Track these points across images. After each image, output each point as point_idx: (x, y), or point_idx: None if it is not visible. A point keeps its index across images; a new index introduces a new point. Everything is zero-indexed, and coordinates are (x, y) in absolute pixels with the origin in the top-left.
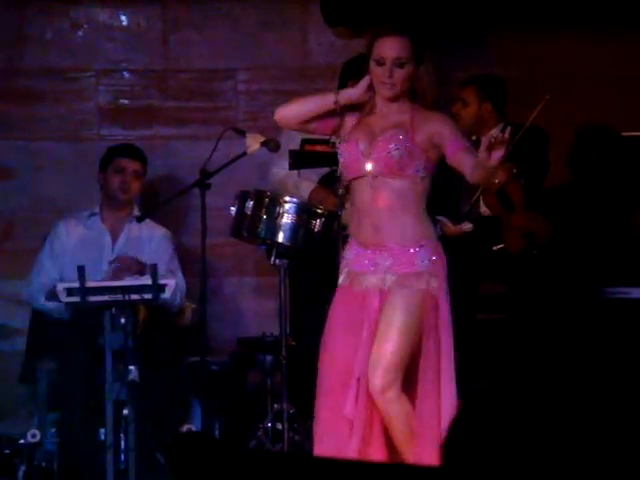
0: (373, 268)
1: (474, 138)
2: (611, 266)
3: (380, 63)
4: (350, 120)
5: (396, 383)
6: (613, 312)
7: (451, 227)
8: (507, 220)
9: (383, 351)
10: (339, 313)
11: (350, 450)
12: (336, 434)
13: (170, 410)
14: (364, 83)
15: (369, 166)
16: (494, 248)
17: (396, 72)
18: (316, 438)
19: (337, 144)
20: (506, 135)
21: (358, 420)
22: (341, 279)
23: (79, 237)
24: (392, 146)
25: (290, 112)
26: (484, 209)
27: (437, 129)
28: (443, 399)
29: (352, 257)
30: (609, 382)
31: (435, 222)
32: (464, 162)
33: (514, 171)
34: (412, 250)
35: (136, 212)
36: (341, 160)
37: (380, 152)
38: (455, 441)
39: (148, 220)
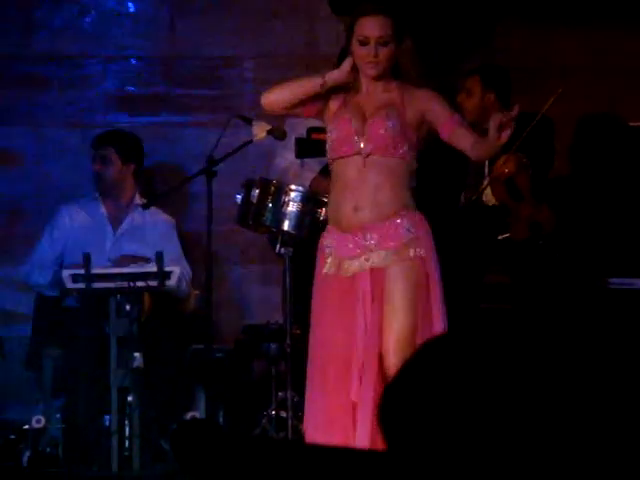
0: (359, 251)
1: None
2: (616, 256)
3: (364, 43)
4: (334, 102)
5: None
6: (618, 303)
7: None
8: (515, 210)
9: (393, 333)
10: (330, 302)
11: (361, 437)
12: (344, 421)
13: (174, 397)
14: (347, 64)
15: (363, 145)
16: (499, 237)
17: (380, 51)
18: (318, 426)
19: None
20: (514, 112)
21: (366, 406)
22: (326, 267)
23: (81, 222)
24: (388, 124)
25: (277, 97)
26: (488, 198)
27: (428, 106)
28: None
29: (335, 244)
30: (612, 373)
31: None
32: (463, 138)
33: (524, 161)
34: (394, 222)
35: (137, 199)
36: (332, 137)
37: (375, 131)
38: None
39: (152, 207)
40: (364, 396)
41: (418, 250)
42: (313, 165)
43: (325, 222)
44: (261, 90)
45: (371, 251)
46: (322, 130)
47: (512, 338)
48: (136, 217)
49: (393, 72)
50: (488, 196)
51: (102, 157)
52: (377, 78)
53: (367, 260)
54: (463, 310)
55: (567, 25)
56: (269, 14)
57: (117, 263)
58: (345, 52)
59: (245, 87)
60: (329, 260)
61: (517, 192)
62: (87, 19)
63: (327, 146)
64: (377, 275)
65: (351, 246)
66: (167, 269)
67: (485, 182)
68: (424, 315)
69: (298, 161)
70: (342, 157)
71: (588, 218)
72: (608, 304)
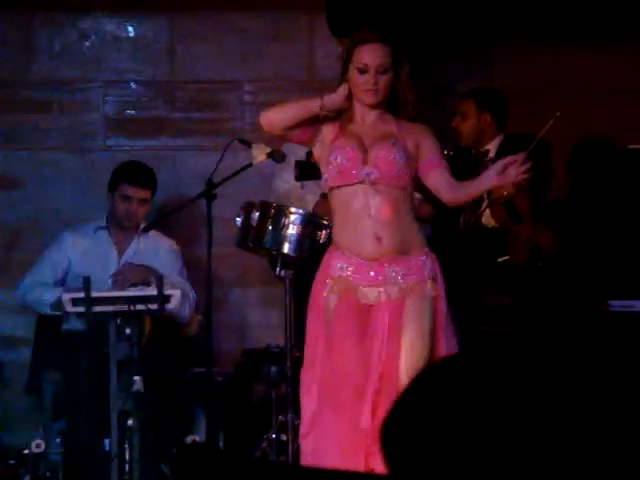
0: (381, 279)
1: (475, 152)
2: (616, 279)
3: (362, 71)
4: (329, 131)
5: None
6: (617, 325)
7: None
8: (514, 232)
9: (409, 367)
10: (345, 324)
11: (375, 463)
12: (354, 448)
13: (175, 421)
14: (344, 90)
15: (369, 173)
16: (499, 260)
17: (379, 79)
18: (326, 451)
19: (316, 154)
20: (522, 156)
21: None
22: (328, 289)
23: (84, 250)
24: (396, 154)
25: (276, 116)
26: (487, 220)
27: (422, 140)
28: None
29: (352, 270)
30: (612, 394)
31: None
32: (440, 179)
33: (522, 183)
34: (419, 259)
35: (143, 226)
36: (335, 165)
37: (383, 160)
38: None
39: (154, 231)
40: (377, 425)
41: (435, 289)
42: (313, 188)
43: (324, 245)
44: (260, 113)
45: (393, 283)
46: None
47: (512, 362)
48: (141, 242)
49: (388, 104)
50: (487, 218)
51: (142, 199)
52: (374, 106)
53: (386, 292)
54: (463, 333)
55: (566, 47)
56: (268, 38)
57: (119, 274)
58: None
59: (244, 110)
60: (340, 283)
61: (516, 214)
62: (87, 43)
63: (326, 174)
64: (395, 307)
65: (372, 274)
66: (167, 292)
67: (484, 204)
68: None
69: (298, 184)
70: (345, 185)
71: (587, 240)
72: (608, 326)
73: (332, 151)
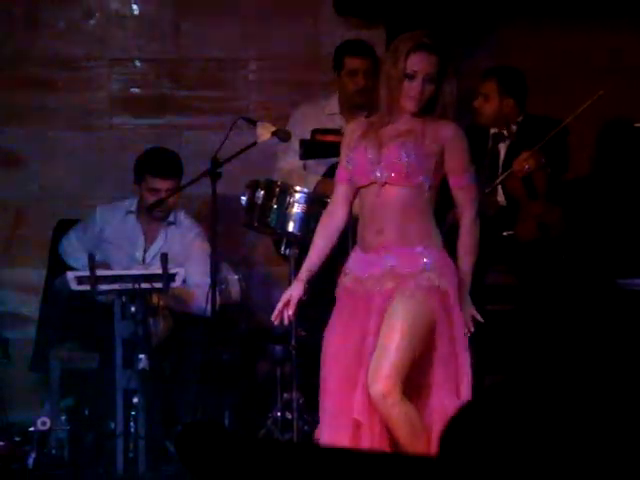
0: (373, 270)
1: (495, 131)
2: (625, 257)
3: (411, 77)
4: (354, 130)
5: (396, 388)
6: (626, 303)
7: None
8: (525, 207)
9: (384, 358)
10: (342, 316)
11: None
12: (339, 437)
13: (180, 399)
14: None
15: (379, 173)
16: (504, 233)
17: (426, 87)
18: (322, 428)
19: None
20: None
21: (368, 423)
22: (343, 282)
23: (112, 228)
24: (402, 153)
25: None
26: (501, 198)
27: (451, 146)
28: (461, 395)
29: (354, 263)
30: (622, 375)
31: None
32: (463, 204)
33: (543, 161)
34: (416, 250)
35: (172, 218)
36: (352, 168)
37: (389, 159)
38: (455, 434)
39: (186, 218)
40: (367, 414)
41: (437, 280)
42: (317, 167)
43: None
44: (265, 92)
45: (386, 272)
46: (326, 132)
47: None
48: (169, 232)
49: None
50: (501, 196)
51: (169, 189)
52: (414, 112)
53: (381, 280)
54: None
55: (571, 27)
56: (273, 16)
57: None
58: (340, 51)
59: (250, 89)
60: (347, 276)
61: (533, 190)
62: (91, 21)
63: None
64: (387, 297)
65: (366, 266)
66: (172, 271)
67: (502, 176)
68: (444, 344)
69: (301, 164)
70: (362, 187)
71: (597, 219)
72: (616, 305)
73: (350, 153)
